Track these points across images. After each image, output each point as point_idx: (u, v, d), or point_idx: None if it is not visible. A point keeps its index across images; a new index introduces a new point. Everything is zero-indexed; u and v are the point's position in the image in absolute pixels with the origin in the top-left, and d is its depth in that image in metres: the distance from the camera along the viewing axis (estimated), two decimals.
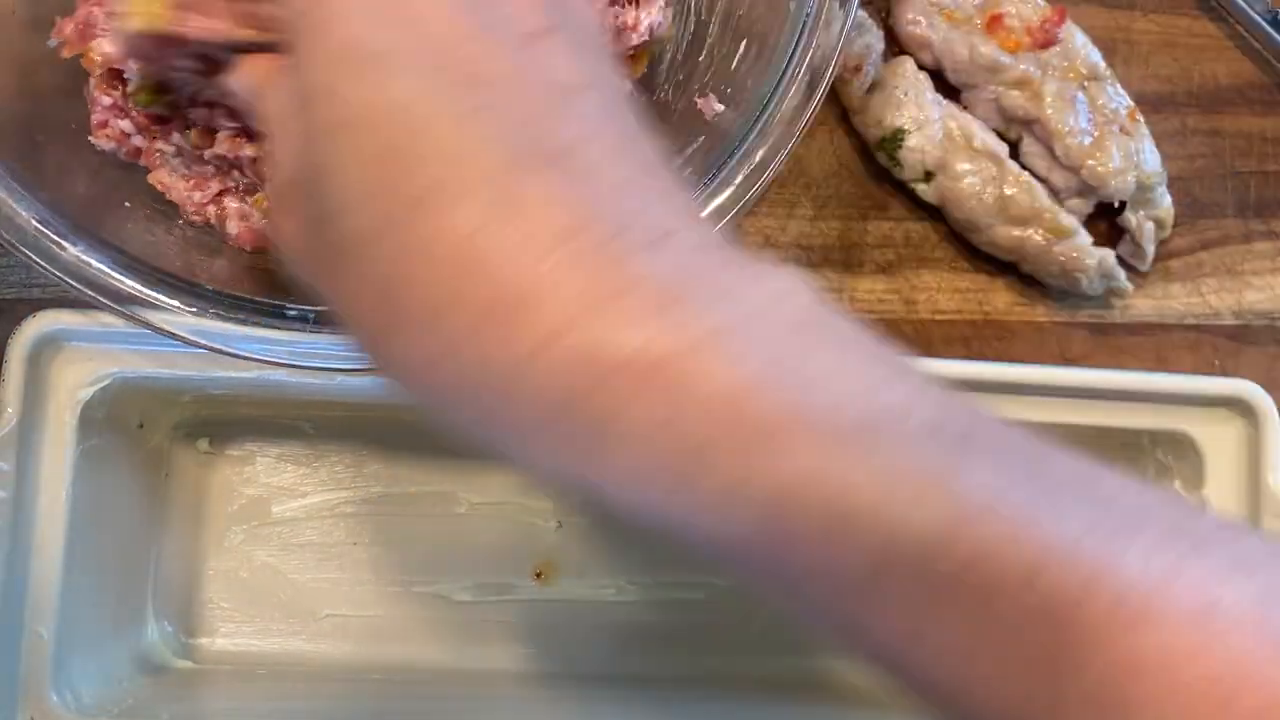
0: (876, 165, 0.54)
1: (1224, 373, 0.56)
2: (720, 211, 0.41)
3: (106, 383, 0.45)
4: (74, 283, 0.39)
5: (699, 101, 0.45)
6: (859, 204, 0.55)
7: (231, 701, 0.48)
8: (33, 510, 0.44)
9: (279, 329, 0.40)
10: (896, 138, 0.52)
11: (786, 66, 0.41)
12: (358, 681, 0.51)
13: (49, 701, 0.44)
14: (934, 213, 0.55)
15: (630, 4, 0.44)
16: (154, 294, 0.40)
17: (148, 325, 0.40)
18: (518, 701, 0.52)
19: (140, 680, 0.49)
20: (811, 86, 0.41)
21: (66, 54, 0.42)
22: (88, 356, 0.45)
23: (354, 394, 0.47)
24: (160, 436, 0.50)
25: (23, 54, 0.43)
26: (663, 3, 0.45)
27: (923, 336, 0.55)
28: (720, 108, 0.44)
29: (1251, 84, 0.57)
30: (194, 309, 0.40)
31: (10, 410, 0.43)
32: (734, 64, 0.45)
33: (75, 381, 0.45)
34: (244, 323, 0.40)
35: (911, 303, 0.55)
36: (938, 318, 0.55)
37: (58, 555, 0.44)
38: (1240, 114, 0.57)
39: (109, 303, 0.39)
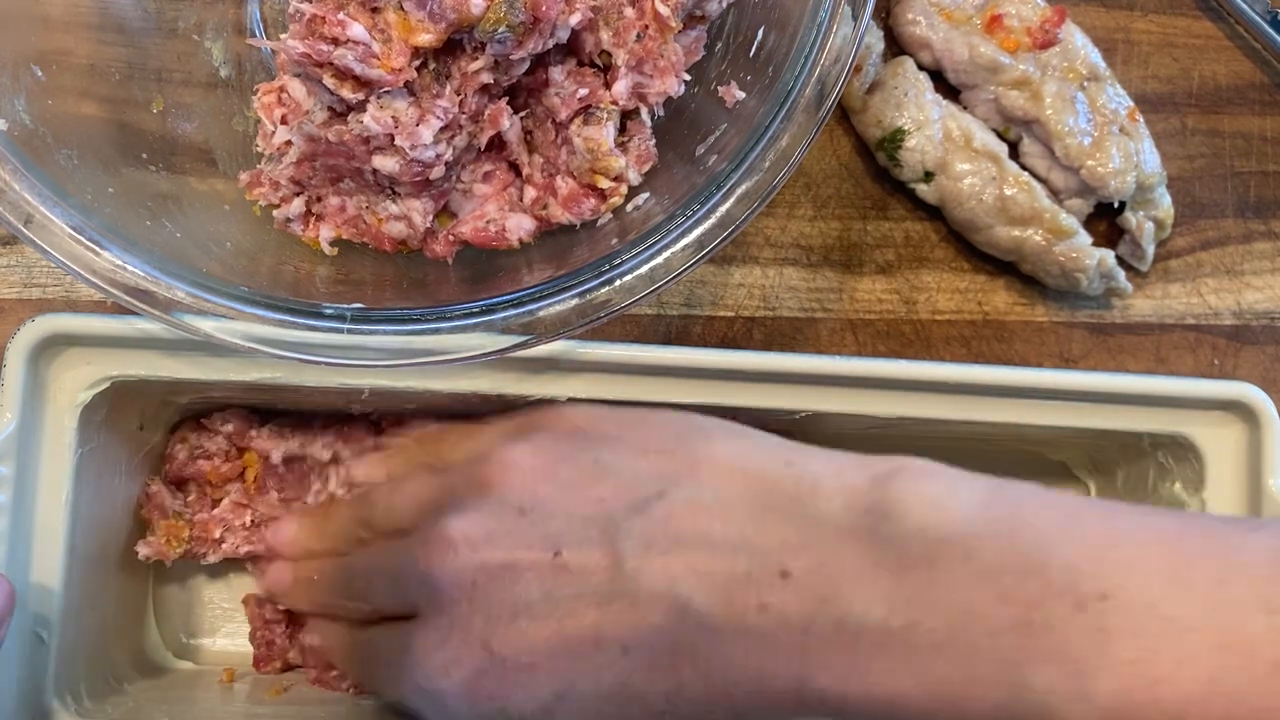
0: (876, 165, 0.54)
1: (1223, 373, 0.56)
2: (748, 197, 0.41)
3: (106, 385, 0.45)
4: (111, 289, 0.40)
5: (720, 90, 0.45)
6: (859, 204, 0.55)
7: (232, 703, 0.48)
8: (33, 513, 0.44)
9: (317, 329, 0.41)
10: (896, 138, 0.52)
11: (809, 51, 0.41)
12: None
13: (50, 704, 0.44)
14: (934, 213, 0.55)
15: None
16: (196, 295, 0.40)
17: (186, 329, 0.40)
18: None
19: (141, 682, 0.49)
20: (835, 70, 0.41)
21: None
22: (87, 359, 0.44)
23: (353, 392, 0.47)
24: (160, 438, 0.50)
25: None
26: None
27: (922, 336, 0.55)
28: (741, 95, 0.44)
29: (1251, 84, 0.57)
30: (232, 311, 0.40)
31: (10, 414, 0.43)
32: (752, 51, 0.45)
33: (75, 384, 0.44)
34: (282, 324, 0.41)
35: (911, 303, 0.55)
36: (937, 318, 0.55)
37: (58, 558, 0.44)
38: (1240, 114, 0.57)
39: (146, 308, 0.40)
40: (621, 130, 0.46)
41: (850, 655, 0.34)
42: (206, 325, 0.40)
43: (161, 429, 0.50)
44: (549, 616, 0.36)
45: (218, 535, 0.49)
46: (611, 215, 0.46)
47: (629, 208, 0.46)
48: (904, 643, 0.33)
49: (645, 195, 0.46)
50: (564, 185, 0.46)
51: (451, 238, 0.47)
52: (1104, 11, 0.56)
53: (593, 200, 0.46)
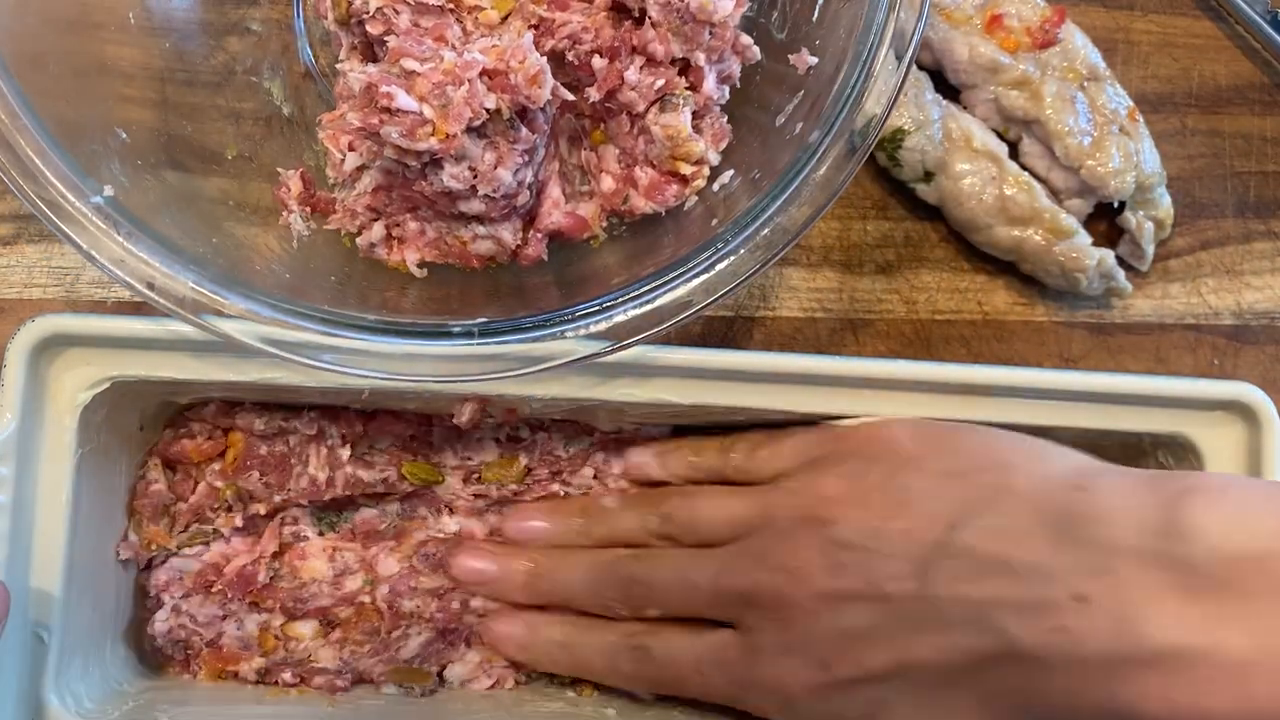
0: (876, 165, 0.54)
1: (1223, 372, 0.56)
2: (839, 164, 0.41)
3: (106, 385, 0.45)
4: (249, 340, 0.41)
5: (791, 58, 0.44)
6: (859, 204, 0.55)
7: (232, 704, 0.48)
8: (33, 514, 0.44)
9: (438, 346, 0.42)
10: (896, 138, 0.52)
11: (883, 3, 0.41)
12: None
13: (50, 704, 0.44)
14: (934, 213, 0.55)
15: None
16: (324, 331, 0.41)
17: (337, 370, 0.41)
18: None
19: (141, 682, 0.49)
20: (913, 17, 0.41)
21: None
22: (87, 359, 0.44)
23: (354, 392, 0.47)
24: (161, 438, 0.50)
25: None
26: None
27: (922, 336, 0.55)
28: (814, 60, 0.44)
29: (1251, 84, 0.57)
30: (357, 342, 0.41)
31: (10, 414, 0.43)
32: (815, 14, 0.45)
33: (75, 384, 0.44)
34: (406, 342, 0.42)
35: (911, 303, 0.55)
36: (937, 318, 0.55)
37: (58, 558, 0.44)
38: (1240, 114, 0.57)
39: (282, 353, 0.41)
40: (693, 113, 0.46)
41: (1152, 676, 0.36)
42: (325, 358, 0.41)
43: (161, 429, 0.50)
44: (881, 646, 0.41)
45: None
46: (698, 198, 0.46)
47: (714, 187, 0.46)
48: (1210, 663, 0.35)
49: (729, 173, 0.46)
50: (644, 175, 0.46)
51: (540, 235, 0.46)
52: (1104, 11, 0.56)
53: (675, 186, 0.45)
